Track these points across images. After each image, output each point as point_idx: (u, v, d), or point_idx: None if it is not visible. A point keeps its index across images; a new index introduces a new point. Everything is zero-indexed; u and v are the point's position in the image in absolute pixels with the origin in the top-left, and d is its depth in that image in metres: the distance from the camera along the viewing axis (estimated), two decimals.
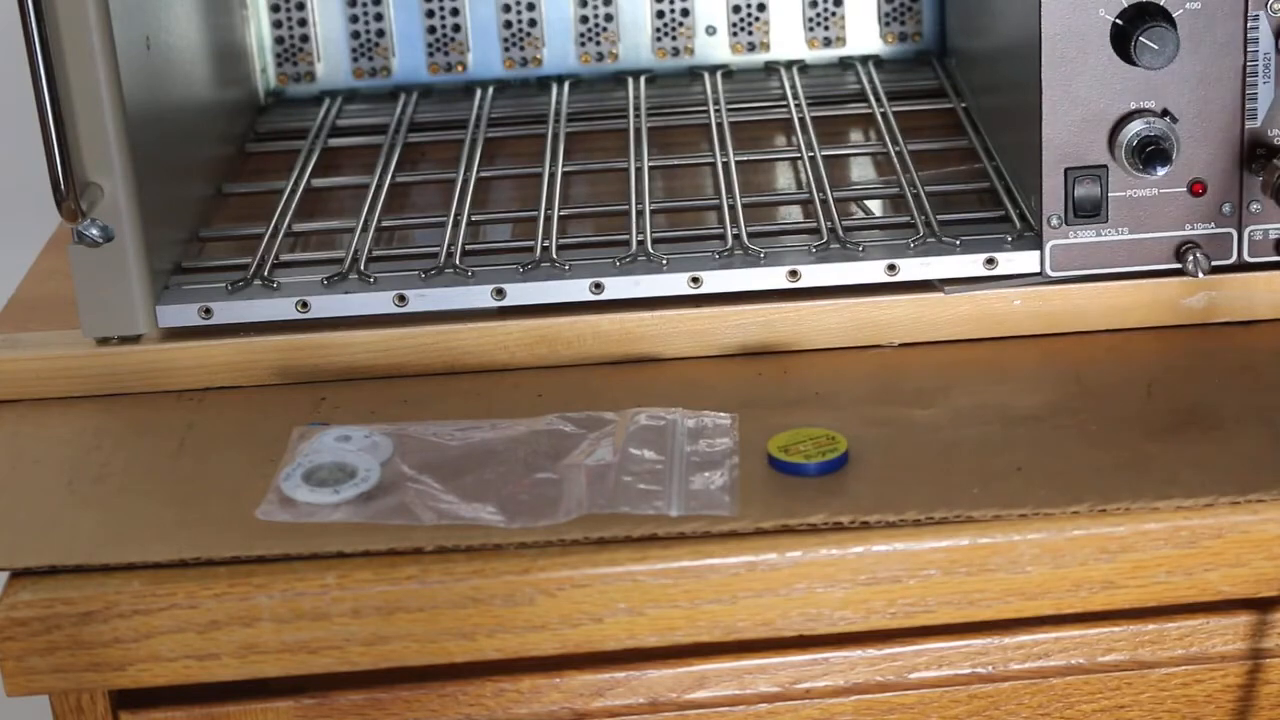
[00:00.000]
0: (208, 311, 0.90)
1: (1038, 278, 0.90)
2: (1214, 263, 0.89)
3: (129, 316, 0.89)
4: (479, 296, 0.90)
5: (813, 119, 1.07)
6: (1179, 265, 0.89)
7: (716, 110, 1.10)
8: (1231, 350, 0.88)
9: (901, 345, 0.90)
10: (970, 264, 0.90)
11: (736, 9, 1.16)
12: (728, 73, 1.17)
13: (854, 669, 0.81)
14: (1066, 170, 0.88)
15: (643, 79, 1.15)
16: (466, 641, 0.76)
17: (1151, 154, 0.87)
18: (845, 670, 0.81)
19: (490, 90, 1.15)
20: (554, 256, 0.92)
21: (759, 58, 1.17)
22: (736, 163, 1.02)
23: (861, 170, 1.04)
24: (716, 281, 0.90)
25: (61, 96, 0.84)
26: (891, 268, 0.90)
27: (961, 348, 0.90)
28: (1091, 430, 0.82)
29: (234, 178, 1.06)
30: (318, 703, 0.79)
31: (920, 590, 0.76)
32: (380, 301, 0.90)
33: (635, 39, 1.16)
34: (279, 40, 1.15)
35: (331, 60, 1.16)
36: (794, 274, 0.90)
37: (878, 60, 1.17)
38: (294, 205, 1.00)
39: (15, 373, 0.90)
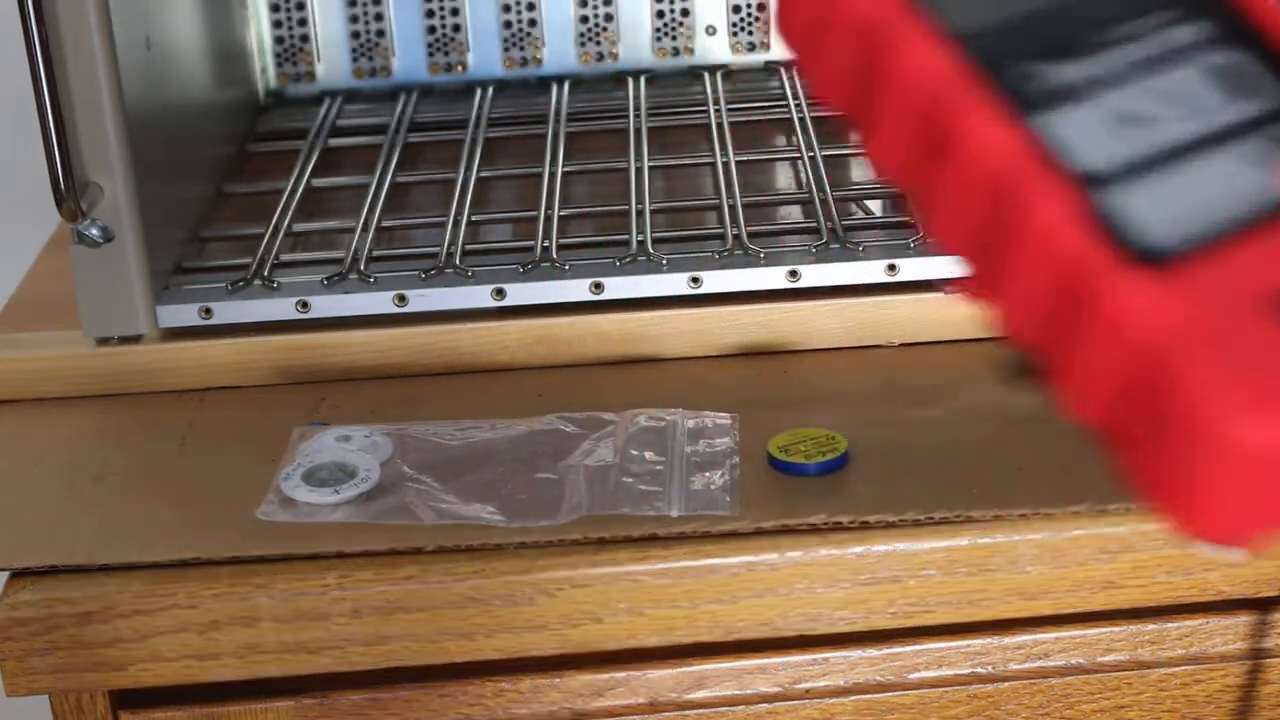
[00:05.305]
0: (208, 311, 0.90)
1: None
2: None
3: (129, 316, 0.89)
4: (479, 296, 0.90)
5: (813, 119, 1.07)
6: None
7: (716, 110, 1.10)
8: None
9: (901, 345, 0.90)
10: None
11: (736, 9, 1.16)
12: (728, 73, 1.16)
13: (854, 669, 0.81)
14: None
15: (643, 79, 1.15)
16: (466, 641, 0.76)
17: None
18: (845, 670, 0.81)
19: (490, 90, 1.15)
20: (554, 256, 0.92)
21: (759, 58, 1.17)
22: (736, 162, 1.02)
23: (861, 170, 1.04)
24: (716, 281, 0.90)
25: (61, 96, 0.84)
26: (891, 268, 0.90)
27: (961, 348, 0.90)
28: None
29: (234, 178, 1.06)
30: (318, 703, 0.79)
31: (920, 590, 0.76)
32: (380, 301, 0.90)
33: (635, 39, 1.16)
34: (279, 40, 1.15)
35: (331, 60, 1.16)
36: (794, 274, 0.90)
37: None
38: (294, 205, 1.00)
39: (15, 373, 0.90)
